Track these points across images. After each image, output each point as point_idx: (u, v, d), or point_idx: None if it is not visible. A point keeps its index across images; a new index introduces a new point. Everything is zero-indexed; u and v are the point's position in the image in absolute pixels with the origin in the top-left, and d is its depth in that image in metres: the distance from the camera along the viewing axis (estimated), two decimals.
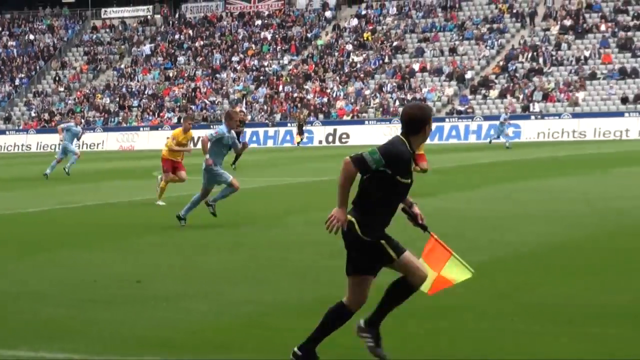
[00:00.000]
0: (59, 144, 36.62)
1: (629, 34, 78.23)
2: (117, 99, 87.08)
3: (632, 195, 22.60)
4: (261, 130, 77.35)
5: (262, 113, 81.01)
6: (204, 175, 18.85)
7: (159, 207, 22.77)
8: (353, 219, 7.72)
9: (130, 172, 37.73)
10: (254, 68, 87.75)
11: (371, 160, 7.57)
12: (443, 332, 9.14)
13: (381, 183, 7.66)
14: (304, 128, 72.82)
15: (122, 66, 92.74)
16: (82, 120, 35.40)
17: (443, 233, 16.49)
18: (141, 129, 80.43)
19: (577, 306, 10.10)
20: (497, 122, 58.11)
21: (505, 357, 8.11)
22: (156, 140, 77.98)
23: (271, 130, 77.04)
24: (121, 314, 10.21)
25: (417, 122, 7.83)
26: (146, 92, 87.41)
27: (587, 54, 77.72)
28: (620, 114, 69.33)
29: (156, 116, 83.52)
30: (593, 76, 75.38)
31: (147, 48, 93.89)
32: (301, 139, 71.77)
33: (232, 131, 18.92)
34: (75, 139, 35.10)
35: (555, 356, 8.09)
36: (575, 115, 70.40)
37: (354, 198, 7.85)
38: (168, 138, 25.25)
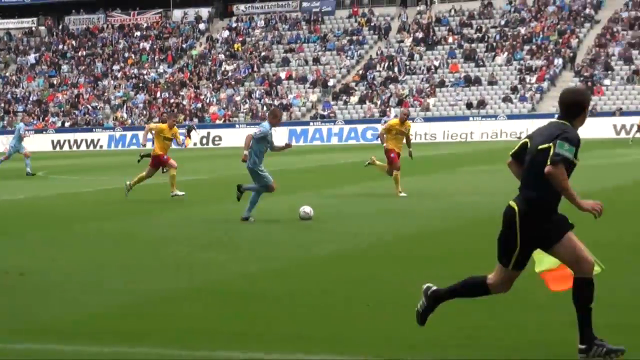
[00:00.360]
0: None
1: (473, 45, 79.58)
2: (3, 105, 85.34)
3: (475, 191, 22.95)
4: (140, 133, 76.59)
5: (142, 117, 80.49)
6: (256, 173, 17.87)
7: (42, 204, 22.33)
8: (515, 207, 7.35)
9: (15, 172, 36.92)
10: (133, 76, 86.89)
11: (571, 155, 7.07)
12: (298, 316, 9.09)
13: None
14: (192, 132, 72.41)
15: (7, 74, 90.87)
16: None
17: (306, 225, 16.63)
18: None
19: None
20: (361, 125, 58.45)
21: (360, 340, 8.11)
22: (41, 143, 76.64)
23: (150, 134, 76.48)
24: (2, 304, 9.95)
25: (577, 105, 7.29)
26: (31, 98, 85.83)
27: (436, 63, 78.81)
28: (465, 117, 70.52)
29: (41, 120, 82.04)
30: (442, 84, 76.47)
31: (32, 57, 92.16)
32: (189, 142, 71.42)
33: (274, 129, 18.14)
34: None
35: (411, 338, 8.11)
36: (427, 119, 71.32)
37: (520, 186, 7.38)
38: (151, 127, 24.27)
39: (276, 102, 77.87)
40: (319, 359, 7.57)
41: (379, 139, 24.58)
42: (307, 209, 17.56)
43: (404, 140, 23.75)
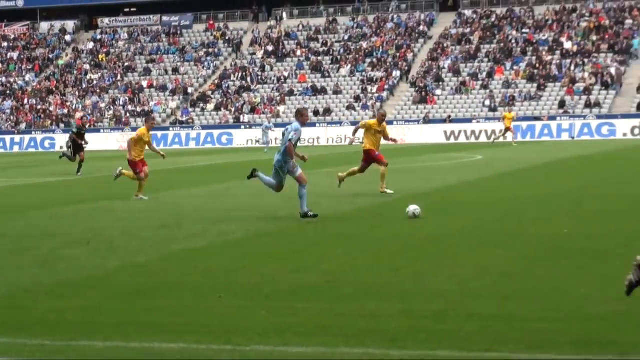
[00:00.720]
0: None
1: (319, 58, 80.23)
2: None
3: (321, 192, 23.12)
4: (8, 138, 75.28)
5: (9, 122, 78.72)
6: (279, 171, 17.05)
7: None
8: None
9: None
10: (0, 84, 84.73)
11: None
12: (164, 308, 9.04)
13: None
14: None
15: None
16: None
17: (164, 224, 16.47)
18: None
19: (273, 284, 10.23)
20: (262, 129, 58.17)
21: (216, 329, 8.11)
22: None
23: (17, 137, 75.10)
24: None
25: None
26: None
27: (286, 74, 79.17)
28: (313, 124, 70.95)
29: None
30: (291, 93, 76.83)
31: None
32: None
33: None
34: None
35: (256, 327, 8.14)
36: (278, 125, 71.45)
37: None
38: (132, 137, 22.49)
39: (139, 109, 77.13)
40: (175, 346, 7.53)
41: (354, 132, 22.43)
42: (415, 210, 16.31)
43: (382, 140, 22.15)
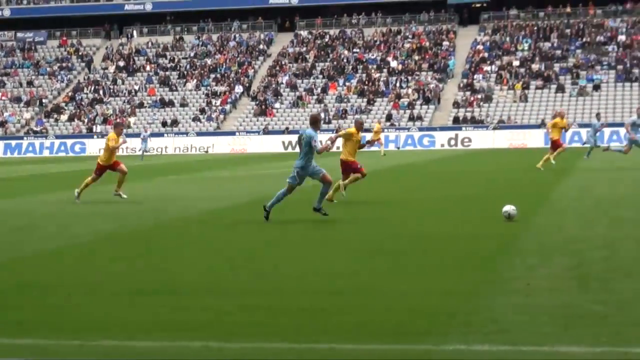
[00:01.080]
0: None
1: (167, 73, 79.56)
2: None
3: (165, 197, 22.90)
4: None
5: None
6: (298, 173, 16.13)
7: None
8: None
9: None
10: None
11: None
12: (14, 306, 8.76)
13: None
14: None
15: None
16: None
17: (17, 226, 15.95)
18: None
19: (119, 283, 10.05)
20: (141, 138, 56.82)
21: (64, 325, 7.91)
22: None
23: None
24: None
25: None
26: None
27: (136, 87, 78.12)
28: (161, 134, 70.31)
29: None
30: (141, 105, 75.88)
31: None
32: None
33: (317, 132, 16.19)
34: None
35: (103, 323, 7.99)
36: (129, 136, 70.32)
37: None
38: (107, 142, 21.60)
39: None
40: (23, 342, 7.32)
41: (334, 141, 18.63)
42: (510, 211, 14.99)
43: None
